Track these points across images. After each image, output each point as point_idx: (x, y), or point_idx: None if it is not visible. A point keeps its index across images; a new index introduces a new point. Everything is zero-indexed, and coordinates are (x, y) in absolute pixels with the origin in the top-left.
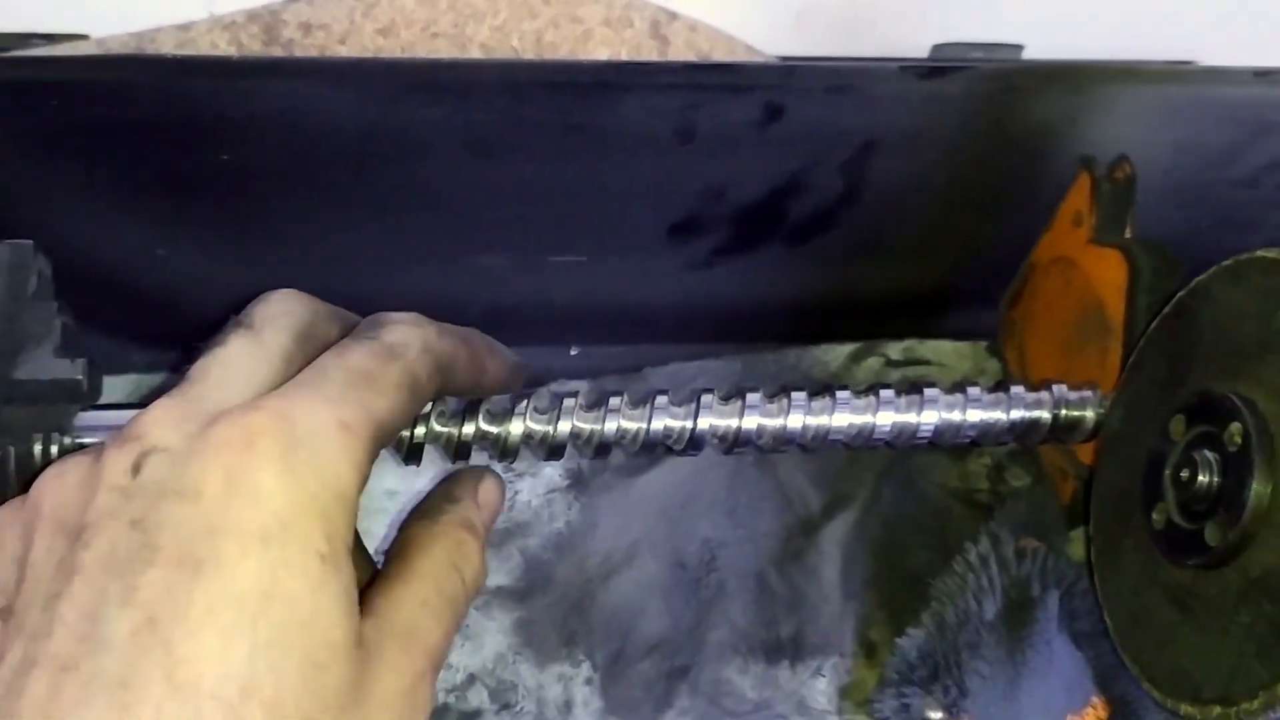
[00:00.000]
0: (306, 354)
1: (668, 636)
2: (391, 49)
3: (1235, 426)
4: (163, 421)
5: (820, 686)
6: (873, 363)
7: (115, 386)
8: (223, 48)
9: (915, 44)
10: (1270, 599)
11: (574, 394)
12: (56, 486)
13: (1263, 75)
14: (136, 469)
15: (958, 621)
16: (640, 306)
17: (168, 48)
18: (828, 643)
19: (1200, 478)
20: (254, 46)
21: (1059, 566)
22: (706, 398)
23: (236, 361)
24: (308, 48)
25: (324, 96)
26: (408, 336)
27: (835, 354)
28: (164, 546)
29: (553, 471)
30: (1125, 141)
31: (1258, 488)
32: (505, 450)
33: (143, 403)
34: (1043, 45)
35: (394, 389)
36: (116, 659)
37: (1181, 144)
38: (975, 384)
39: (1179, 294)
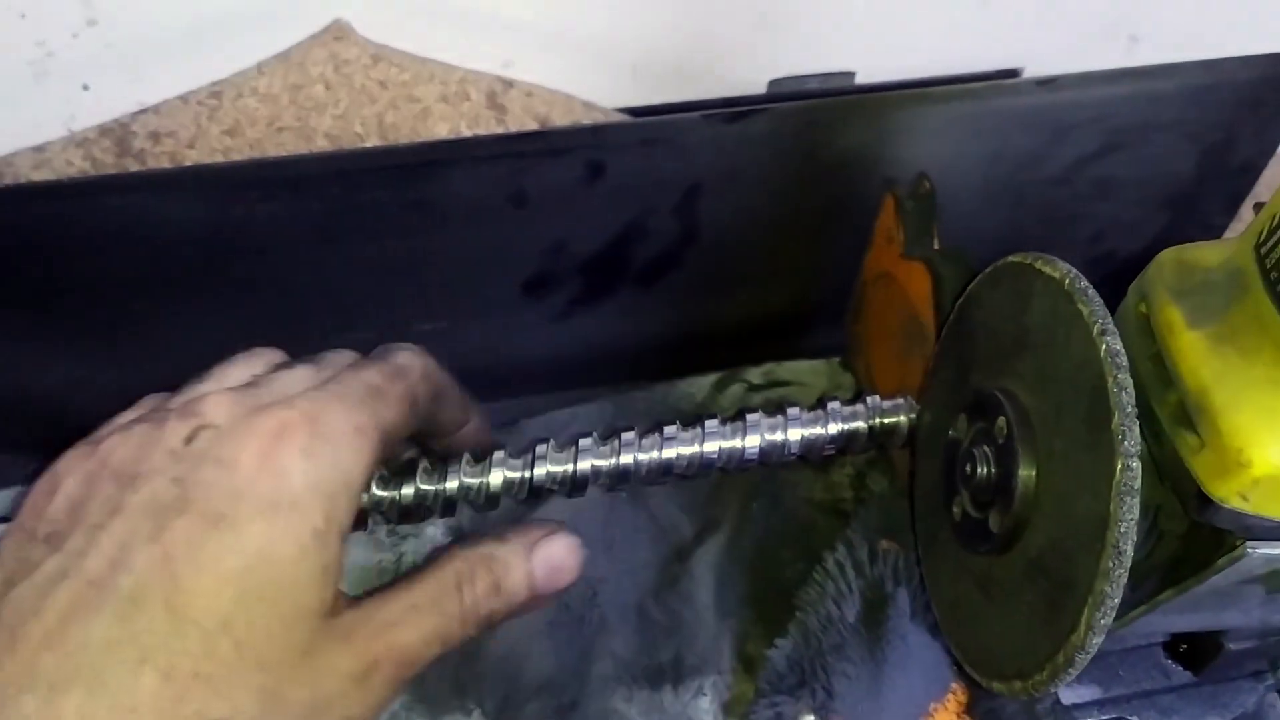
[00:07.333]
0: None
1: (554, 675)
2: (240, 148)
3: (1001, 420)
4: (221, 404)
5: (704, 705)
6: (736, 389)
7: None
8: (77, 164)
9: (753, 81)
10: (1046, 576)
11: (458, 454)
12: (121, 442)
13: (1044, 84)
14: (190, 439)
15: (821, 627)
16: (509, 362)
17: (25, 169)
18: (706, 662)
19: (980, 470)
20: (107, 160)
21: (910, 563)
22: (585, 441)
23: (293, 376)
24: (159, 156)
25: (165, 204)
26: (411, 362)
27: (700, 385)
28: (195, 500)
29: (435, 530)
30: (938, 157)
31: (1023, 474)
32: (403, 513)
33: None
34: (874, 69)
35: (398, 402)
36: (132, 581)
37: (991, 154)
38: (796, 404)
39: (958, 301)
